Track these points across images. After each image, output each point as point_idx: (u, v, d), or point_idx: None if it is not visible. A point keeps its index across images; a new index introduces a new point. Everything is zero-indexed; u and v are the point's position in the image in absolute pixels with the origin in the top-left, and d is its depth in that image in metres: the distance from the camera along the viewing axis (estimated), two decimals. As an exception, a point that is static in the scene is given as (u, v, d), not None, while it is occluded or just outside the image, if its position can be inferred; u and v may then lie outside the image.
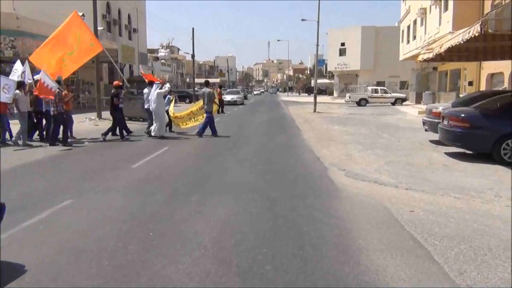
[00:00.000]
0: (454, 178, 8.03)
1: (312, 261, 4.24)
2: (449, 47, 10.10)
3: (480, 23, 7.65)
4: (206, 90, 15.16)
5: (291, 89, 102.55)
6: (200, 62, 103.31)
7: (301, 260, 4.26)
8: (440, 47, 10.68)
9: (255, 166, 9.52)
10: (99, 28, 26.51)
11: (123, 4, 40.22)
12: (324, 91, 73.39)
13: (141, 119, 20.58)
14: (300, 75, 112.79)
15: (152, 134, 14.45)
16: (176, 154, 11.24)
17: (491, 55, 13.55)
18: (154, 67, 57.63)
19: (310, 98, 36.06)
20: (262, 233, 5.06)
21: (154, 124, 14.39)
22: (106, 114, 22.47)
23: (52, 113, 12.58)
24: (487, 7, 20.38)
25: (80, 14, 28.82)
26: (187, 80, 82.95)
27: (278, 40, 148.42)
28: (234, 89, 56.26)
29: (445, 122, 10.37)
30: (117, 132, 14.33)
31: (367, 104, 37.63)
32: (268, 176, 8.40)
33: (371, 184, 7.64)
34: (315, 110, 28.69)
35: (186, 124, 15.58)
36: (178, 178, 8.15)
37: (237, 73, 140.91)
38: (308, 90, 76.62)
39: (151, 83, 15.28)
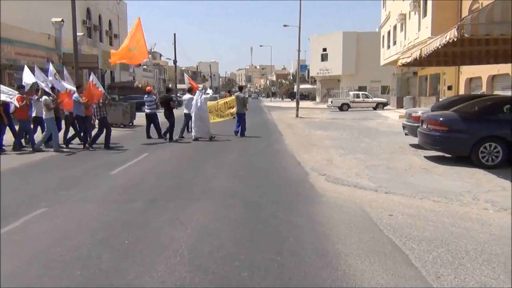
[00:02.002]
0: (433, 181, 8.09)
1: (290, 267, 4.19)
2: (427, 52, 10.19)
3: (456, 27, 7.71)
4: (240, 94, 16.90)
5: (274, 94, 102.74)
6: (183, 68, 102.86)
7: (278, 266, 4.20)
8: (420, 52, 10.77)
9: (236, 171, 9.45)
10: (79, 33, 26.22)
11: (104, 9, 39.87)
12: (307, 96, 73.69)
13: (121, 126, 20.37)
14: (283, 81, 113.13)
15: (194, 134, 15.03)
16: (156, 160, 11.10)
17: (469, 60, 13.73)
18: (136, 73, 57.11)
19: (293, 103, 36.22)
20: (240, 239, 4.99)
21: (197, 128, 15.00)
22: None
23: (96, 117, 13.10)
24: (465, 13, 20.70)
25: (59, 19, 28.69)
26: (169, 85, 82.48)
27: (261, 46, 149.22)
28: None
29: (424, 126, 10.47)
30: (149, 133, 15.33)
31: (349, 109, 37.90)
32: (248, 181, 8.35)
33: (351, 188, 7.64)
34: (297, 115, 28.75)
35: (214, 119, 16.38)
36: (157, 185, 8.04)
37: (220, 78, 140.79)
38: (291, 95, 76.91)
39: (190, 90, 16.39)
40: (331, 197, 7.05)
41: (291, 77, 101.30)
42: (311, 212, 6.20)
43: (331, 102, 39.84)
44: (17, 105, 12.35)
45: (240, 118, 16.28)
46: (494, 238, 5.00)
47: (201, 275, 4.00)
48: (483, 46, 11.62)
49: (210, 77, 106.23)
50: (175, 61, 54.57)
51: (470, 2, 21.06)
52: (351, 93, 41.66)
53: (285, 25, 40.89)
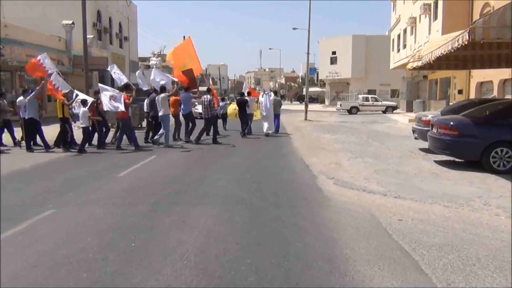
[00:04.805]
0: (443, 186, 7.98)
1: (297, 272, 4.13)
2: (437, 56, 10.09)
3: (467, 31, 7.62)
4: (276, 98, 19.35)
5: (283, 97, 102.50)
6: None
7: (285, 271, 4.15)
8: (431, 54, 10.65)
9: (243, 174, 9.41)
10: (89, 36, 26.37)
11: (114, 12, 40.08)
12: (316, 99, 73.50)
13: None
14: (292, 84, 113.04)
15: (267, 131, 17.64)
16: (163, 163, 11.09)
17: (480, 64, 13.59)
18: (146, 75, 57.39)
19: (302, 106, 36.04)
20: (247, 243, 4.94)
21: (267, 125, 17.69)
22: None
23: (206, 116, 14.89)
24: (476, 16, 20.53)
25: (70, 22, 28.87)
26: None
27: (270, 49, 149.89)
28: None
29: (434, 130, 10.35)
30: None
31: (358, 112, 37.75)
32: (255, 184, 8.29)
33: (360, 192, 7.56)
34: (306, 118, 28.66)
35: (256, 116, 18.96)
36: (164, 187, 8.00)
37: (229, 81, 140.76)
38: (300, 98, 76.65)
39: (249, 94, 18.79)
40: (339, 201, 6.98)
41: (300, 80, 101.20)
42: (318, 216, 6.14)
43: (340, 105, 39.72)
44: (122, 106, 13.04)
45: (276, 117, 18.59)
46: (506, 244, 4.90)
47: (208, 279, 3.96)
48: (495, 50, 11.47)
49: (219, 79, 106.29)
50: (184, 64, 54.59)
51: (482, 5, 20.89)
52: (360, 96, 41.53)
53: (294, 28, 41.14)
